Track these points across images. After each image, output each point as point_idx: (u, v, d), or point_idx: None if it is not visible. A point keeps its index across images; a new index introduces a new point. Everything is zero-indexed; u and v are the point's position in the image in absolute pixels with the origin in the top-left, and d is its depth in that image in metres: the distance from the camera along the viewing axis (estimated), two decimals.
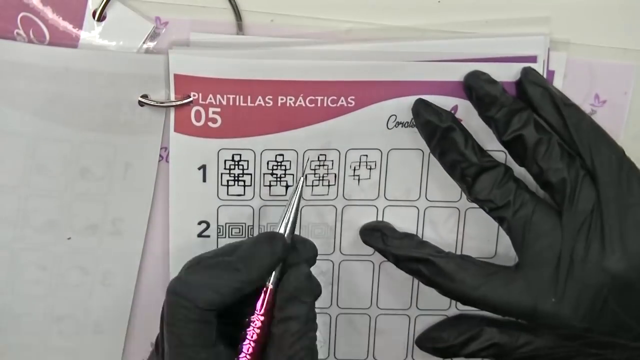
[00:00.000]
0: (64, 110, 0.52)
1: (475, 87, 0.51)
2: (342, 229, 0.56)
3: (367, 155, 0.54)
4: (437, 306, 0.58)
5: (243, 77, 0.51)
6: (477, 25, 0.52)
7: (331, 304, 0.58)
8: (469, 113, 0.52)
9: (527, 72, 0.52)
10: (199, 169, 0.54)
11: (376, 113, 0.53)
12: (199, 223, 0.55)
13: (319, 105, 0.52)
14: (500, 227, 0.52)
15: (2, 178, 0.53)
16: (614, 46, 0.53)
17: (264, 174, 0.54)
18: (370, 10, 0.52)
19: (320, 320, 0.57)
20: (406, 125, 0.53)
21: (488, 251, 0.56)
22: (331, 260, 0.57)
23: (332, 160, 0.54)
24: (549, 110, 0.51)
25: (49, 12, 0.50)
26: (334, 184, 0.55)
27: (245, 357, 0.48)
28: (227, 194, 0.54)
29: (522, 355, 0.53)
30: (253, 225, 0.55)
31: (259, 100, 0.52)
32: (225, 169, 0.54)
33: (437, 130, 0.52)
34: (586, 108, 0.53)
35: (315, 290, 0.49)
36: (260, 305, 0.48)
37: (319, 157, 0.54)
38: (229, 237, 0.55)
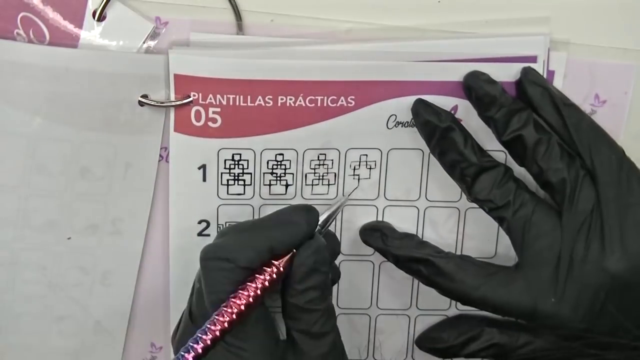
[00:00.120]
0: (64, 110, 0.52)
1: (475, 87, 0.51)
2: (342, 228, 0.56)
3: (367, 155, 0.54)
4: (437, 306, 0.58)
5: (243, 77, 0.51)
6: (477, 25, 0.52)
7: None
8: (469, 113, 0.52)
9: (527, 72, 0.52)
10: (199, 168, 0.54)
11: (376, 113, 0.53)
12: (199, 222, 0.55)
13: (319, 105, 0.52)
14: (500, 227, 0.52)
15: (2, 178, 0.53)
16: (614, 46, 0.53)
17: (263, 173, 0.54)
18: (370, 10, 0.52)
19: None
20: (406, 125, 0.53)
21: (488, 251, 0.56)
22: None
23: (332, 160, 0.54)
24: (548, 110, 0.51)
25: (49, 12, 0.50)
26: (334, 184, 0.55)
27: (256, 290, 0.47)
28: (227, 193, 0.54)
29: (522, 356, 0.53)
30: None
31: (259, 100, 0.52)
32: (225, 168, 0.54)
33: (436, 130, 0.52)
34: (586, 108, 0.53)
35: (328, 259, 0.50)
36: (282, 260, 0.48)
37: (318, 157, 0.54)
38: None
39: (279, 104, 0.52)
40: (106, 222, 0.55)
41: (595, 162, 0.50)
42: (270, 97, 0.52)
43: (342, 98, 0.52)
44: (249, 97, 0.52)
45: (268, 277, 0.47)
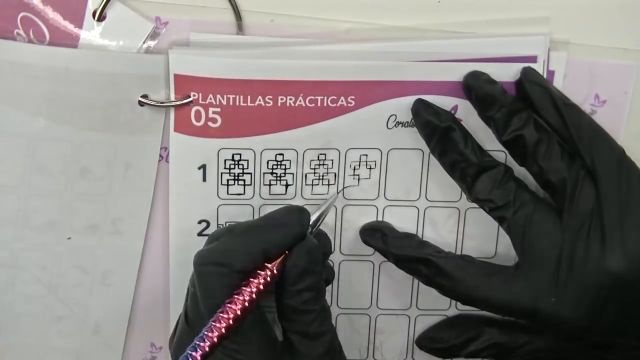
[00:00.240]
0: (64, 110, 0.52)
1: (475, 87, 0.51)
2: (342, 228, 0.56)
3: (367, 155, 0.54)
4: (437, 306, 0.58)
5: (243, 77, 0.51)
6: (477, 25, 0.52)
7: (331, 304, 0.58)
8: (469, 113, 0.52)
9: (527, 72, 0.52)
10: (199, 168, 0.54)
11: (376, 113, 0.53)
12: (199, 222, 0.55)
13: (319, 105, 0.52)
14: (500, 227, 0.52)
15: (2, 178, 0.53)
16: (614, 46, 0.53)
17: (264, 173, 0.54)
18: (370, 10, 0.52)
19: None
20: (406, 125, 0.53)
21: (488, 251, 0.56)
22: (331, 260, 0.57)
23: (332, 160, 0.54)
24: (549, 110, 0.51)
25: (49, 12, 0.50)
26: (334, 184, 0.55)
27: (251, 294, 0.47)
28: (227, 193, 0.54)
29: (522, 356, 0.54)
30: None
31: (259, 100, 0.52)
32: (225, 168, 0.54)
33: (436, 130, 0.52)
34: (586, 108, 0.53)
35: (322, 259, 0.50)
36: (276, 263, 0.48)
37: (318, 157, 0.54)
38: None
39: (279, 104, 0.52)
40: (106, 222, 0.55)
41: (595, 161, 0.50)
42: (270, 97, 0.52)
43: (342, 98, 0.52)
44: (249, 97, 0.52)
45: (262, 281, 0.47)
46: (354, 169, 0.54)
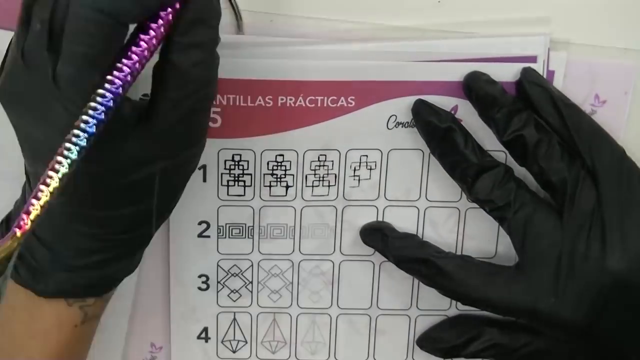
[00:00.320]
0: None
1: (475, 88, 0.51)
2: (342, 229, 0.56)
3: (367, 156, 0.54)
4: (437, 306, 0.58)
5: (243, 77, 0.51)
6: (477, 25, 0.52)
7: (331, 304, 0.58)
8: (469, 113, 0.52)
9: (526, 72, 0.52)
10: (199, 169, 0.54)
11: (376, 113, 0.53)
12: (199, 223, 0.55)
13: (319, 105, 0.52)
14: (500, 227, 0.52)
15: (4, 166, 0.53)
16: (614, 46, 0.53)
17: (264, 174, 0.54)
18: (370, 10, 0.52)
19: (320, 320, 0.57)
20: (406, 125, 0.53)
21: (488, 251, 0.56)
22: (331, 261, 0.57)
23: (332, 161, 0.54)
24: (549, 110, 0.51)
25: None
26: (334, 185, 0.55)
27: (149, 46, 0.41)
28: (227, 194, 0.54)
29: (522, 356, 0.53)
30: (253, 226, 0.55)
31: (259, 100, 0.52)
32: (225, 169, 0.54)
33: (437, 131, 0.52)
34: (586, 108, 0.53)
35: (220, 12, 0.43)
36: (167, 16, 0.41)
37: (319, 158, 0.54)
38: (229, 237, 0.55)
39: (279, 104, 0.52)
40: None
41: (595, 162, 0.50)
42: (270, 97, 0.52)
43: (342, 98, 0.52)
44: (249, 97, 0.52)
45: (160, 31, 0.41)
46: (354, 169, 0.54)
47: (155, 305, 0.57)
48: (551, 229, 0.50)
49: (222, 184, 0.54)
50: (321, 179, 0.55)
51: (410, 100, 0.52)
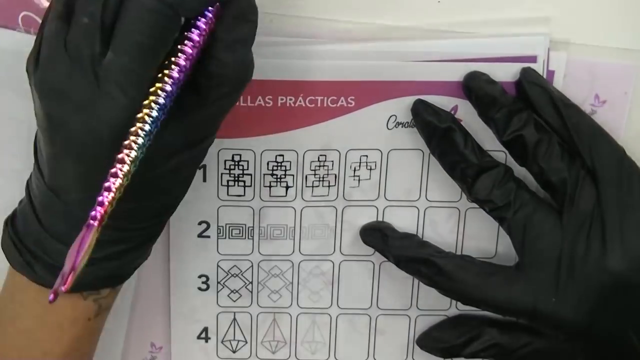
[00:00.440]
0: None
1: (475, 88, 0.51)
2: (342, 229, 0.56)
3: (367, 156, 0.54)
4: (437, 306, 0.58)
5: None
6: (477, 25, 0.52)
7: (331, 304, 0.58)
8: (469, 113, 0.52)
9: (526, 72, 0.52)
10: (199, 169, 0.54)
11: (376, 113, 0.53)
12: (199, 223, 0.55)
13: (319, 105, 0.52)
14: (500, 227, 0.52)
15: (6, 162, 0.53)
16: (614, 46, 0.53)
17: (264, 174, 0.54)
18: (370, 10, 0.52)
19: (320, 320, 0.57)
20: (406, 125, 0.53)
21: (488, 251, 0.56)
22: (331, 261, 0.57)
23: (332, 161, 0.54)
24: (548, 110, 0.51)
25: None
26: (334, 185, 0.55)
27: (189, 55, 0.42)
28: (227, 194, 0.54)
29: (522, 356, 0.53)
30: (253, 226, 0.55)
31: (259, 100, 0.52)
32: (225, 169, 0.54)
33: (436, 131, 0.52)
34: (586, 108, 0.53)
35: (257, 8, 0.45)
36: (212, 14, 0.42)
37: (319, 158, 0.54)
38: (229, 237, 0.55)
39: (279, 104, 0.52)
40: None
41: (595, 161, 0.50)
42: (270, 97, 0.52)
43: (342, 98, 0.52)
44: (248, 97, 0.52)
45: (205, 27, 0.42)
46: (354, 170, 0.54)
47: (155, 305, 0.57)
48: (551, 229, 0.50)
49: (222, 184, 0.54)
50: (321, 179, 0.55)
51: (410, 100, 0.52)
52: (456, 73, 0.52)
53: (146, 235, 0.48)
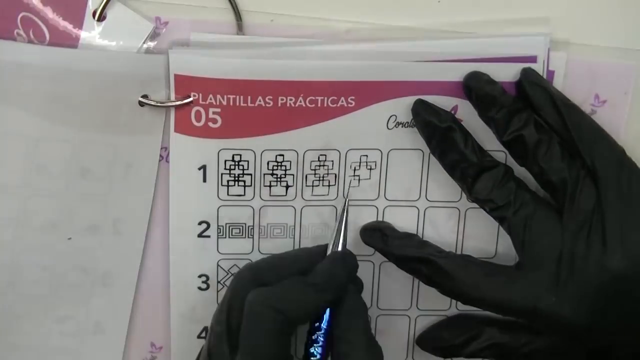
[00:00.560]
0: (64, 110, 0.52)
1: (475, 88, 0.51)
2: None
3: (367, 156, 0.54)
4: (437, 306, 0.58)
5: (243, 77, 0.51)
6: (477, 25, 0.52)
7: None
8: (469, 113, 0.52)
9: (526, 72, 0.52)
10: (199, 169, 0.54)
11: (376, 113, 0.53)
12: (199, 223, 0.55)
13: (319, 105, 0.52)
14: (500, 227, 0.52)
15: (2, 178, 0.53)
16: (614, 46, 0.53)
17: (264, 174, 0.54)
18: (370, 10, 0.52)
19: None
20: (406, 125, 0.53)
21: (488, 251, 0.56)
22: None
23: (332, 161, 0.54)
24: (548, 110, 0.51)
25: (49, 12, 0.51)
26: (334, 184, 0.55)
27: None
28: (228, 194, 0.55)
29: (522, 355, 0.53)
30: (253, 226, 0.55)
31: (259, 101, 0.52)
32: (225, 169, 0.54)
33: (436, 131, 0.52)
34: (586, 108, 0.53)
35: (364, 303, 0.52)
36: (327, 324, 0.51)
37: (319, 158, 0.54)
38: (229, 237, 0.55)
39: (279, 105, 0.52)
40: (106, 223, 0.55)
41: (595, 161, 0.50)
42: (270, 97, 0.52)
43: (342, 98, 0.52)
44: (249, 97, 0.52)
45: (320, 350, 0.51)
46: (354, 169, 0.55)
47: (155, 305, 0.57)
48: (551, 229, 0.50)
49: (222, 184, 0.54)
50: (321, 178, 0.55)
51: (410, 100, 0.52)
52: (456, 73, 0.52)
53: None
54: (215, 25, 0.52)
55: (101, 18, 0.51)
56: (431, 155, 0.53)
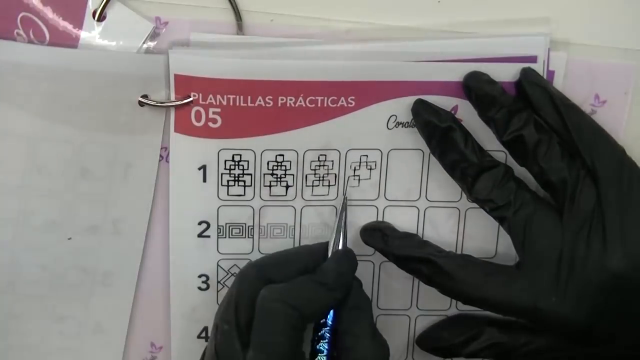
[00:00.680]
0: (64, 110, 0.52)
1: (475, 88, 0.51)
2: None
3: (367, 156, 0.54)
4: (437, 306, 0.58)
5: (243, 77, 0.51)
6: (477, 25, 0.52)
7: None
8: (469, 113, 0.52)
9: (526, 72, 0.52)
10: (199, 169, 0.54)
11: (376, 113, 0.53)
12: (199, 223, 0.55)
13: (319, 105, 0.52)
14: (500, 227, 0.52)
15: (2, 178, 0.53)
16: (614, 46, 0.53)
17: (264, 174, 0.54)
18: (370, 10, 0.52)
19: None
20: (406, 125, 0.53)
21: (488, 251, 0.56)
22: None
23: (332, 161, 0.54)
24: (548, 110, 0.51)
25: (49, 12, 0.51)
26: (334, 184, 0.55)
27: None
28: (228, 194, 0.54)
29: (523, 355, 0.53)
30: (253, 226, 0.55)
31: (259, 101, 0.52)
32: (225, 169, 0.54)
33: (436, 130, 0.52)
34: (586, 108, 0.53)
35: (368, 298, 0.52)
36: (332, 320, 0.52)
37: (319, 158, 0.54)
38: (229, 237, 0.55)
39: (279, 105, 0.52)
40: (106, 223, 0.55)
41: (595, 161, 0.50)
42: (270, 97, 0.52)
43: (342, 98, 0.52)
44: (249, 97, 0.52)
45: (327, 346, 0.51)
46: (354, 169, 0.55)
47: (155, 305, 0.57)
48: (551, 229, 0.50)
49: (222, 184, 0.54)
50: (321, 178, 0.55)
51: (410, 100, 0.52)
52: (456, 73, 0.52)
53: None
54: (215, 25, 0.52)
55: (101, 18, 0.51)
56: (431, 155, 0.53)
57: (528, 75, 0.51)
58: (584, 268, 0.49)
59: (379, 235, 0.54)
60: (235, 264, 0.56)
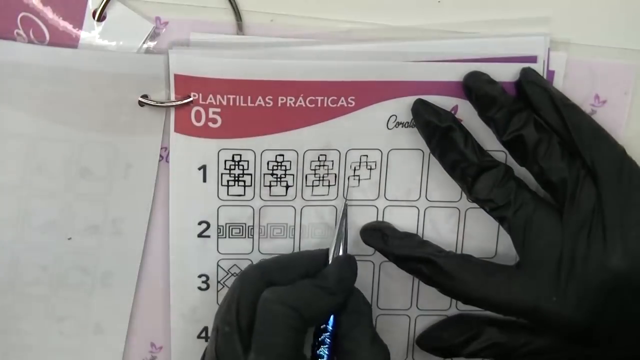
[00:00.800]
0: (64, 110, 0.52)
1: (475, 88, 0.51)
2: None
3: (367, 156, 0.54)
4: (437, 306, 0.58)
5: (243, 77, 0.51)
6: (477, 25, 0.52)
7: None
8: (469, 113, 0.52)
9: (526, 72, 0.52)
10: (199, 169, 0.54)
11: (376, 113, 0.53)
12: (199, 223, 0.55)
13: (319, 105, 0.52)
14: (500, 227, 0.52)
15: (2, 178, 0.53)
16: (614, 46, 0.53)
17: (264, 174, 0.54)
18: (370, 10, 0.52)
19: None
20: (406, 125, 0.53)
21: (488, 251, 0.56)
22: None
23: (332, 161, 0.54)
24: (548, 110, 0.51)
25: (49, 12, 0.51)
26: (334, 184, 0.55)
27: None
28: (228, 194, 0.54)
29: (523, 355, 0.53)
30: (253, 226, 0.55)
31: (259, 101, 0.52)
32: (225, 169, 0.54)
33: (436, 130, 0.52)
34: (586, 108, 0.53)
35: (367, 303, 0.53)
36: (333, 326, 0.52)
37: (319, 158, 0.54)
38: (229, 237, 0.55)
39: (279, 105, 0.52)
40: (106, 223, 0.55)
41: (596, 161, 0.50)
42: (270, 97, 0.52)
43: (342, 98, 0.52)
44: (249, 97, 0.52)
45: (328, 352, 0.52)
46: (354, 169, 0.54)
47: (155, 305, 0.57)
48: (551, 228, 0.50)
49: (222, 184, 0.54)
50: (321, 178, 0.55)
51: (410, 100, 0.52)
52: (456, 73, 0.52)
53: None
54: (215, 25, 0.52)
55: (101, 18, 0.51)
56: (431, 155, 0.53)
57: (528, 75, 0.51)
58: (584, 268, 0.49)
59: (379, 235, 0.54)
60: (235, 264, 0.56)
